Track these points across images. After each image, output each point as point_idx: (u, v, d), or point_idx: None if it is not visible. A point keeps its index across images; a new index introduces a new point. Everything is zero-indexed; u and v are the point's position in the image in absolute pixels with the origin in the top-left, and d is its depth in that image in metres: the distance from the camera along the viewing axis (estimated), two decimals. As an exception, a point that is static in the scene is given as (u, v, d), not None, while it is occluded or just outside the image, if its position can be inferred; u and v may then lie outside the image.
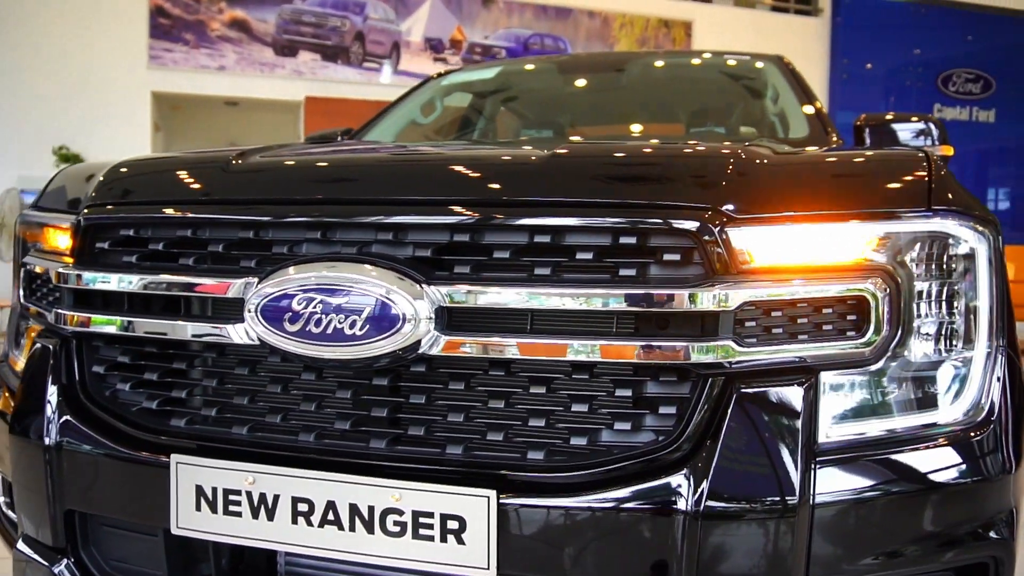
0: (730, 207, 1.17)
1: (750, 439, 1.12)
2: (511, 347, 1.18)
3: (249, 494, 1.25)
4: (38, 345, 1.49)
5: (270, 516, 1.24)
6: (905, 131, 2.61)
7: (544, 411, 1.20)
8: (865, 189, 1.26)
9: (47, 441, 1.39)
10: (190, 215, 1.35)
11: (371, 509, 1.19)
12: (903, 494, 1.18)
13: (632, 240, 1.17)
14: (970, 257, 1.25)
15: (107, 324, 1.39)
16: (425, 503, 1.16)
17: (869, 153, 1.35)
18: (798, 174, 1.28)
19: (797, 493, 1.11)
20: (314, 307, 1.21)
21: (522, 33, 11.12)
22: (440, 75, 3.55)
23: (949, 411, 1.23)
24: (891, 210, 1.22)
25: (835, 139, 2.54)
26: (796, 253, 1.18)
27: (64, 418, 1.40)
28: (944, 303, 1.24)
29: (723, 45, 11.75)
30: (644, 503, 1.12)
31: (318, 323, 1.21)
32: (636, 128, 3.27)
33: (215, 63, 9.82)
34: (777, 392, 1.14)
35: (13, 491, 1.50)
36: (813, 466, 1.13)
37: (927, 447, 1.20)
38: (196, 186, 1.43)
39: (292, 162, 1.49)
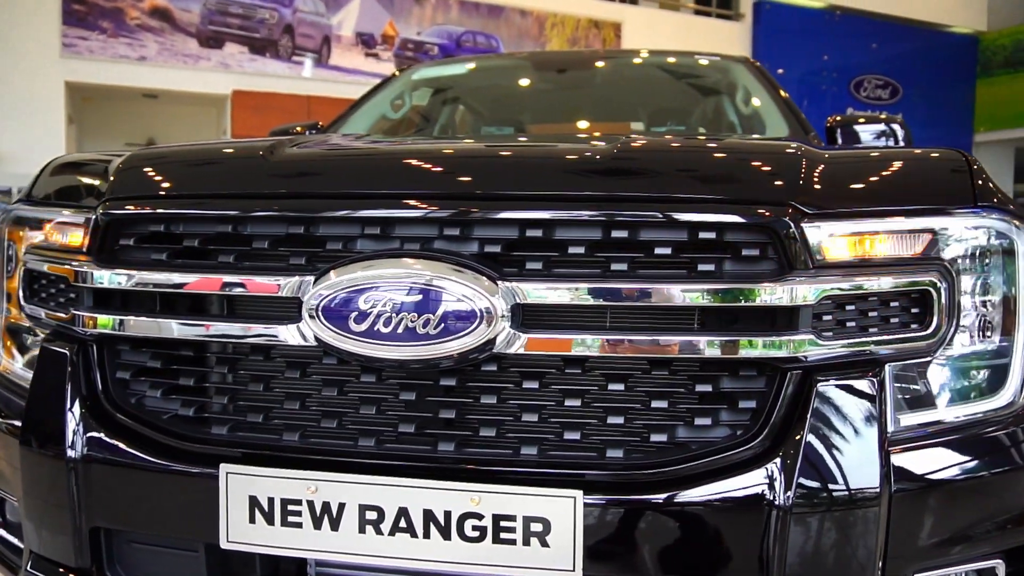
0: (804, 203, 1.18)
1: (830, 431, 1.14)
2: (591, 344, 1.16)
3: (311, 503, 1.18)
4: (49, 350, 1.38)
5: (334, 526, 1.18)
6: (866, 132, 2.72)
7: (622, 408, 1.19)
8: (919, 186, 1.29)
9: (71, 454, 1.29)
10: (234, 210, 1.27)
11: (447, 514, 1.15)
12: (963, 480, 1.22)
13: (711, 235, 1.16)
14: (1010, 251, 1.30)
15: (136, 326, 1.30)
16: (506, 506, 1.13)
17: (913, 152, 1.39)
18: (859, 171, 1.31)
19: (877, 482, 1.13)
20: (383, 306, 1.16)
21: (455, 30, 11.07)
22: (404, 70, 3.48)
23: (997, 398, 1.28)
24: (944, 207, 1.26)
25: (815, 139, 2.61)
26: (863, 248, 1.20)
27: (88, 429, 1.30)
28: (989, 294, 1.29)
29: (652, 46, 12.01)
30: (732, 498, 1.12)
31: (387, 322, 1.16)
32: (608, 126, 3.30)
33: (135, 53, 9.38)
34: (851, 384, 1.16)
35: (21, 510, 1.39)
36: (888, 455, 1.16)
37: (981, 434, 1.24)
38: (237, 179, 1.35)
39: (345, 154, 1.42)
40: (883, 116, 2.82)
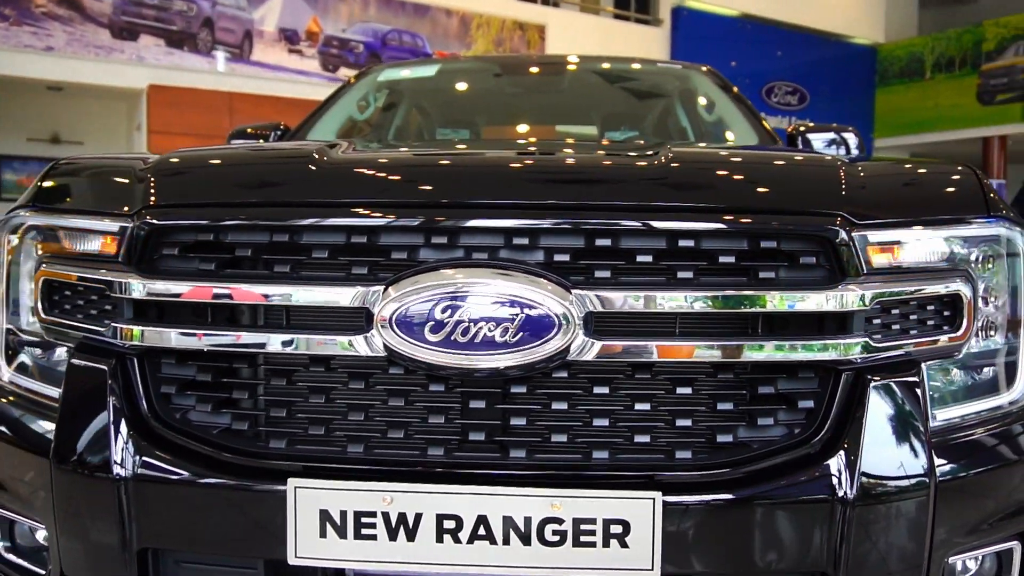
0: (851, 213, 1.26)
1: (884, 427, 1.22)
2: (661, 350, 1.20)
3: (386, 515, 1.17)
4: (82, 365, 1.31)
5: (410, 536, 1.17)
6: (819, 140, 2.88)
7: (689, 411, 1.23)
8: (942, 197, 1.39)
9: (118, 473, 1.23)
10: (293, 219, 1.24)
11: (527, 520, 1.16)
12: (987, 469, 1.32)
13: (772, 244, 1.22)
14: (1015, 255, 1.42)
15: (187, 339, 1.25)
16: (586, 510, 1.15)
17: (930, 165, 1.49)
18: (890, 183, 1.39)
19: (925, 473, 1.22)
20: (461, 315, 1.17)
21: (380, 28, 10.93)
22: (367, 71, 3.43)
23: (1011, 392, 1.39)
24: (965, 216, 1.36)
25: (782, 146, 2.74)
26: (902, 255, 1.29)
27: (135, 446, 1.25)
28: (1000, 296, 1.40)
29: (575, 49, 12.20)
30: (800, 492, 1.18)
31: (465, 332, 1.17)
32: (579, 130, 3.36)
33: (42, 43, 8.84)
34: (899, 383, 1.24)
35: (52, 532, 1.31)
36: (931, 448, 1.24)
37: (998, 426, 1.35)
38: (291, 186, 1.31)
39: (407, 163, 1.41)
40: (835, 126, 3.00)
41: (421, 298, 1.18)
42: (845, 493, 1.17)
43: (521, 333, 1.17)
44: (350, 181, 1.34)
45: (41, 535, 1.44)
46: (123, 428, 1.26)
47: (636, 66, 3.44)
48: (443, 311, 1.17)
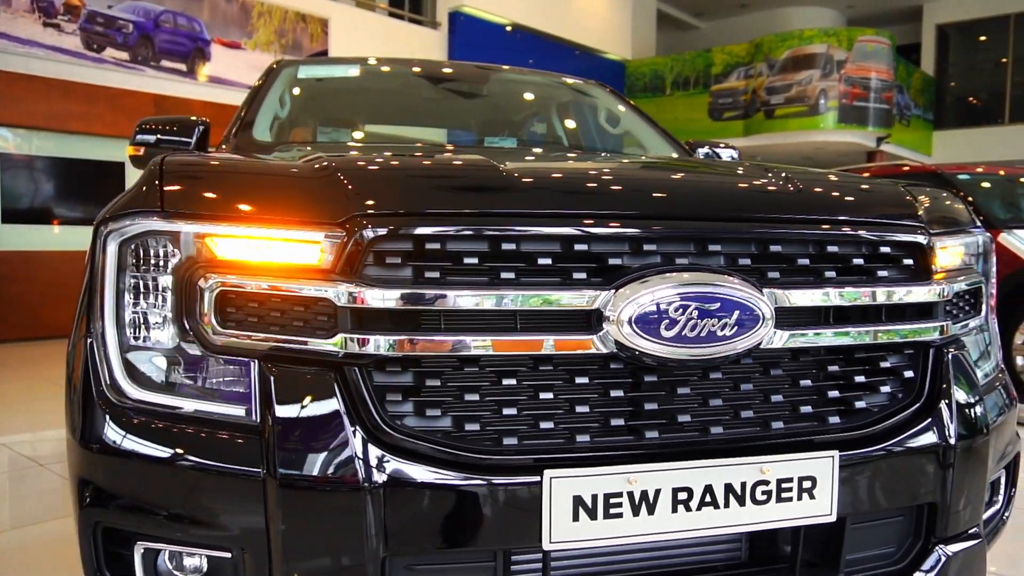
0: (927, 223, 1.63)
1: (960, 388, 1.60)
2: (823, 336, 1.47)
3: (631, 494, 1.32)
4: (291, 379, 1.28)
5: (651, 511, 1.33)
6: (701, 152, 3.38)
7: (835, 384, 1.51)
8: (953, 212, 1.82)
9: (376, 480, 1.24)
10: (523, 228, 1.33)
11: (743, 485, 1.37)
12: (997, 415, 1.76)
13: (887, 250, 1.55)
14: (987, 254, 1.89)
15: (425, 346, 1.28)
16: (786, 471, 1.39)
17: (936, 188, 1.92)
18: (930, 199, 1.78)
19: (987, 422, 1.62)
20: (691, 313, 1.34)
21: (152, 8, 10.01)
22: (281, 66, 3.31)
23: (991, 361, 1.86)
24: (967, 227, 1.80)
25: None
26: (953, 256, 1.69)
27: (381, 455, 1.25)
28: (984, 286, 1.86)
29: (357, 45, 12.12)
30: (921, 440, 1.51)
31: (694, 327, 1.35)
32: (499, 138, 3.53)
33: None
34: (962, 354, 1.64)
35: (253, 558, 1.26)
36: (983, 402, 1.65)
37: (994, 384, 1.81)
38: (510, 196, 1.38)
39: (614, 176, 1.52)
40: (716, 141, 3.52)
41: (652, 299, 1.33)
42: (951, 439, 1.53)
43: (736, 327, 1.37)
44: (565, 193, 1.44)
45: (196, 562, 1.36)
46: (366, 438, 1.26)
47: (543, 77, 3.68)
48: (676, 310, 1.34)
